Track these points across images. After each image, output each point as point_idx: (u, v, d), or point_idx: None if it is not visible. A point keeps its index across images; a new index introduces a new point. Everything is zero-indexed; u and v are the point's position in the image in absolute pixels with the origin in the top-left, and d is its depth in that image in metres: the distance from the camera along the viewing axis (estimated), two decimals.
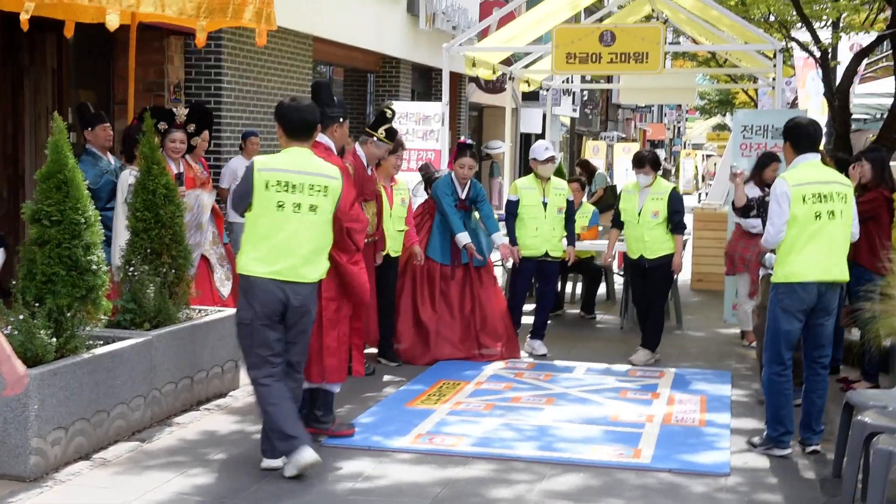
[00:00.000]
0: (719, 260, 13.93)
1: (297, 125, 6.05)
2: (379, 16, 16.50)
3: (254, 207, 5.87)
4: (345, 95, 17.30)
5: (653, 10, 14.86)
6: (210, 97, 12.38)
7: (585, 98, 31.87)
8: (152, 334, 6.96)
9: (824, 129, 18.01)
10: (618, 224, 9.75)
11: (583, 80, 19.44)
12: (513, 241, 9.49)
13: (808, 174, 6.47)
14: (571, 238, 9.77)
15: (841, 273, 6.52)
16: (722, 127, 51.51)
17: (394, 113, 8.24)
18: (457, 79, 21.25)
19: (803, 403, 6.69)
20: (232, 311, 7.88)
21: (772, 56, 11.24)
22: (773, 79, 13.39)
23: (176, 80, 12.18)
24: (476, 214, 9.45)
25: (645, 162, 9.43)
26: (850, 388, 7.51)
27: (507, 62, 14.82)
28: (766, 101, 37.33)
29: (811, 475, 6.20)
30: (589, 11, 17.49)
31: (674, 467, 6.25)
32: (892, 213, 7.80)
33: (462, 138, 10.85)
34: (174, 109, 8.41)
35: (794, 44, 18.02)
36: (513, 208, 9.59)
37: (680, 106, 62.58)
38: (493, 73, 13.13)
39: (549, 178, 9.63)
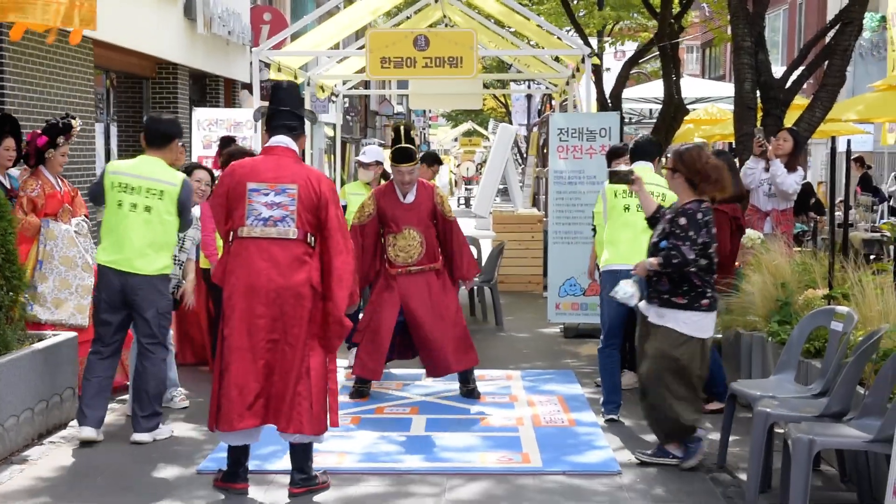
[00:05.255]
0: (521, 262, 14.24)
1: (153, 135, 6.88)
2: (157, 19, 15.76)
3: (105, 205, 6.77)
4: (119, 103, 16.46)
5: (443, 16, 14.94)
6: None
7: (347, 105, 31.78)
8: None
9: None
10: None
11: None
12: None
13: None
14: None
15: None
16: (471, 133, 52.80)
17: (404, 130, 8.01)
18: (230, 85, 20.68)
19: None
20: (67, 334, 7.34)
21: (580, 60, 11.50)
22: (567, 83, 13.83)
23: None
24: None
25: (624, 153, 8.19)
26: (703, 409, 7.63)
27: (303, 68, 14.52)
28: (519, 106, 38.66)
29: (698, 467, 6.32)
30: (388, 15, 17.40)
31: (567, 469, 6.25)
32: (731, 225, 7.73)
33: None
34: None
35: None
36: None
37: (425, 112, 63.64)
38: (295, 78, 12.82)
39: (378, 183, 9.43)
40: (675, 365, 6.15)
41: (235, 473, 5.82)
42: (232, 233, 5.78)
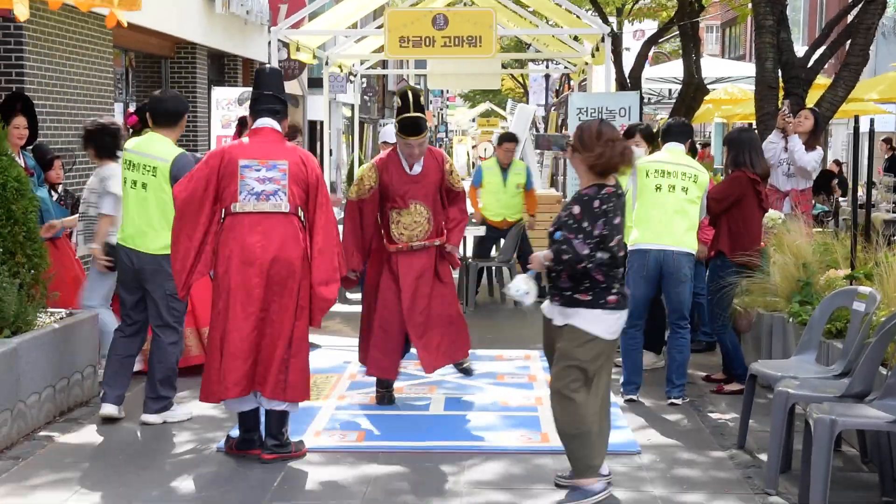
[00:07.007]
0: (540, 242, 14.17)
1: (159, 115, 6.76)
2: None
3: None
4: (138, 83, 16.47)
5: None
6: (11, 84, 11.44)
7: (365, 85, 31.76)
8: (15, 342, 6.34)
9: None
10: None
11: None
12: None
13: (660, 156, 7.47)
14: None
15: (676, 242, 7.14)
16: (489, 113, 52.69)
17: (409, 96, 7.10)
18: (248, 65, 20.67)
19: (667, 359, 7.49)
20: (88, 312, 7.40)
21: (600, 39, 11.43)
22: (586, 62, 13.77)
23: None
24: None
25: (632, 135, 8.51)
26: (721, 390, 7.63)
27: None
28: (537, 86, 38.55)
29: (718, 448, 6.32)
30: None
31: None
32: (759, 196, 7.59)
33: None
34: None
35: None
36: None
37: (443, 93, 63.48)
38: (313, 57, 12.80)
39: None
40: (576, 369, 5.30)
41: (251, 441, 6.03)
42: (224, 210, 5.94)
